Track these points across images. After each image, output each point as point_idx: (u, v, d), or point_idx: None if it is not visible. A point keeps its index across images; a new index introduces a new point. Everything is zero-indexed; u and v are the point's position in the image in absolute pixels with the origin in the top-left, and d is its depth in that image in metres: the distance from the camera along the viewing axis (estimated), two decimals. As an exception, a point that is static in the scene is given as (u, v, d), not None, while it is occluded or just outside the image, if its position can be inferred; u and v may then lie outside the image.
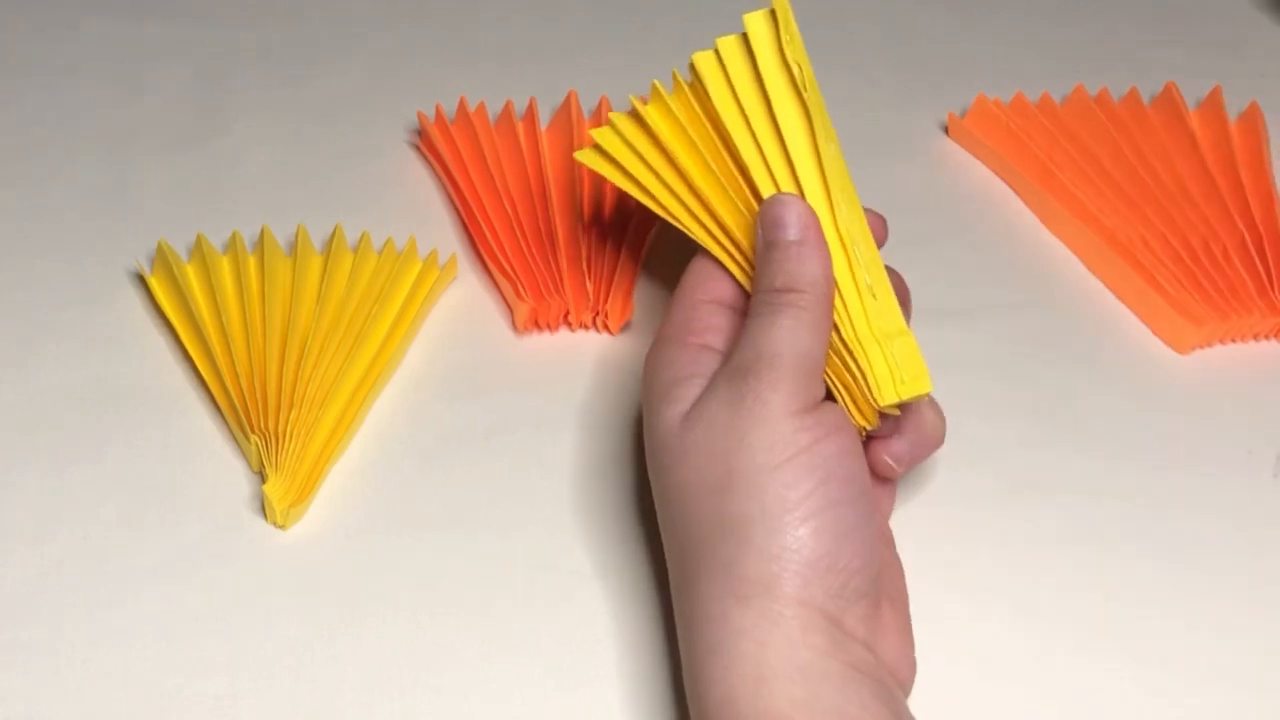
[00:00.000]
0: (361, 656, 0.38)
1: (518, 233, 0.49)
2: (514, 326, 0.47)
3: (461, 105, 0.54)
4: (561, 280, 0.47)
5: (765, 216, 0.37)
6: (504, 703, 0.37)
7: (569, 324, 0.47)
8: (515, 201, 0.50)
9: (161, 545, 0.40)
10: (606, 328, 0.47)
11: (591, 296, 0.47)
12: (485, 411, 0.44)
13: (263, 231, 0.48)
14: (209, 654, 0.37)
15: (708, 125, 0.40)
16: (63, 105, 0.56)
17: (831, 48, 0.55)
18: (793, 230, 0.36)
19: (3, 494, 0.41)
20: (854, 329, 0.36)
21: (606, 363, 0.46)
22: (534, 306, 0.47)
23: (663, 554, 0.39)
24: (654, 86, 0.41)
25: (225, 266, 0.47)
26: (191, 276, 0.46)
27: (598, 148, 0.42)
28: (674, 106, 0.40)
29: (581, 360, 0.46)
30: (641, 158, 0.41)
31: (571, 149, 0.51)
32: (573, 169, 0.51)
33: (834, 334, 0.36)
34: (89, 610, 0.38)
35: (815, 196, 0.37)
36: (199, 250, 0.47)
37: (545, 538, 0.41)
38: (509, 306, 0.48)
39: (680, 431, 0.35)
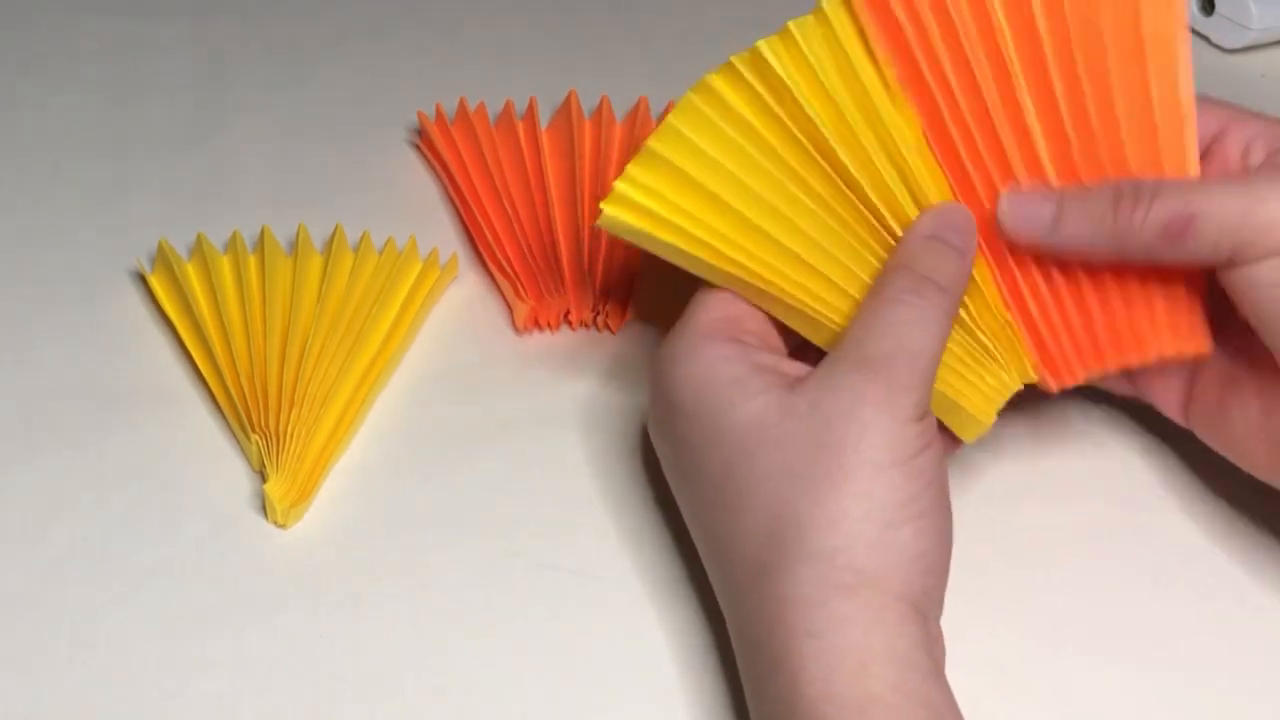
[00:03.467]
0: (361, 656, 0.38)
1: (518, 233, 0.49)
2: (514, 326, 0.47)
3: (461, 105, 0.54)
4: (562, 279, 0.47)
5: (938, 215, 0.36)
6: (504, 702, 0.37)
7: (569, 323, 0.47)
8: (515, 201, 0.50)
9: (162, 544, 0.40)
10: (607, 327, 0.47)
11: (592, 296, 0.47)
12: (486, 411, 0.44)
13: (263, 231, 0.48)
14: (209, 653, 0.37)
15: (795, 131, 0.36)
16: (63, 105, 0.56)
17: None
18: (955, 236, 0.36)
19: (2, 493, 0.41)
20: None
21: (607, 362, 0.46)
22: (534, 306, 0.47)
23: (663, 554, 0.39)
24: (731, 65, 0.35)
25: (226, 266, 0.47)
26: (192, 276, 0.46)
27: (625, 192, 0.36)
28: (739, 102, 0.36)
29: (582, 359, 0.46)
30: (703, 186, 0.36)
31: (572, 149, 0.51)
32: (573, 169, 0.51)
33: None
34: (89, 610, 0.38)
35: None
36: (199, 249, 0.47)
37: (546, 537, 0.41)
38: (509, 306, 0.48)
39: (775, 421, 0.34)
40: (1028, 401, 0.45)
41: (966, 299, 0.37)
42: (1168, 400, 0.41)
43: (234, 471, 0.42)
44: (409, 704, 0.37)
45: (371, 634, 0.38)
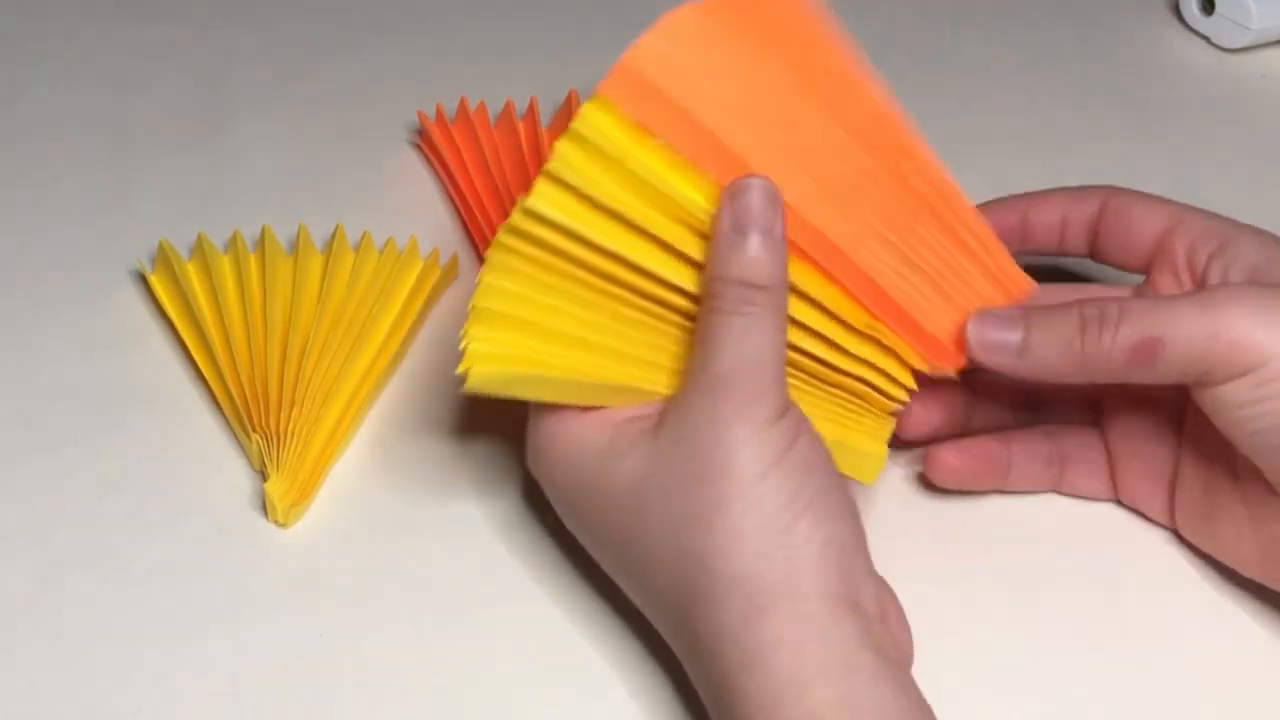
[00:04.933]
0: (362, 656, 0.38)
1: (518, 233, 0.49)
2: (514, 326, 0.47)
3: (461, 105, 0.54)
4: (562, 280, 0.47)
5: (734, 199, 0.34)
6: (504, 702, 0.37)
7: (569, 324, 0.47)
8: (515, 201, 0.50)
9: (162, 544, 0.40)
10: (607, 327, 0.47)
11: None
12: (486, 411, 0.44)
13: (264, 231, 0.48)
14: (210, 653, 0.37)
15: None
16: (63, 105, 0.56)
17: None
18: (757, 215, 0.34)
19: (2, 493, 0.41)
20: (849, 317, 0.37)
21: (607, 362, 0.46)
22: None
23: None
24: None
25: (226, 266, 0.47)
26: (193, 275, 0.46)
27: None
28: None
29: (582, 360, 0.46)
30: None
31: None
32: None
33: (837, 326, 0.37)
34: (89, 609, 0.38)
35: None
36: (200, 249, 0.47)
37: (547, 537, 0.41)
38: (509, 306, 0.48)
39: (648, 471, 0.34)
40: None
41: (814, 342, 0.37)
42: (1152, 506, 0.41)
43: (234, 471, 0.42)
44: (409, 704, 0.37)
45: (371, 634, 0.38)
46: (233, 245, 0.47)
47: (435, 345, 0.47)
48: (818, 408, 0.38)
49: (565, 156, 0.34)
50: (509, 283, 0.35)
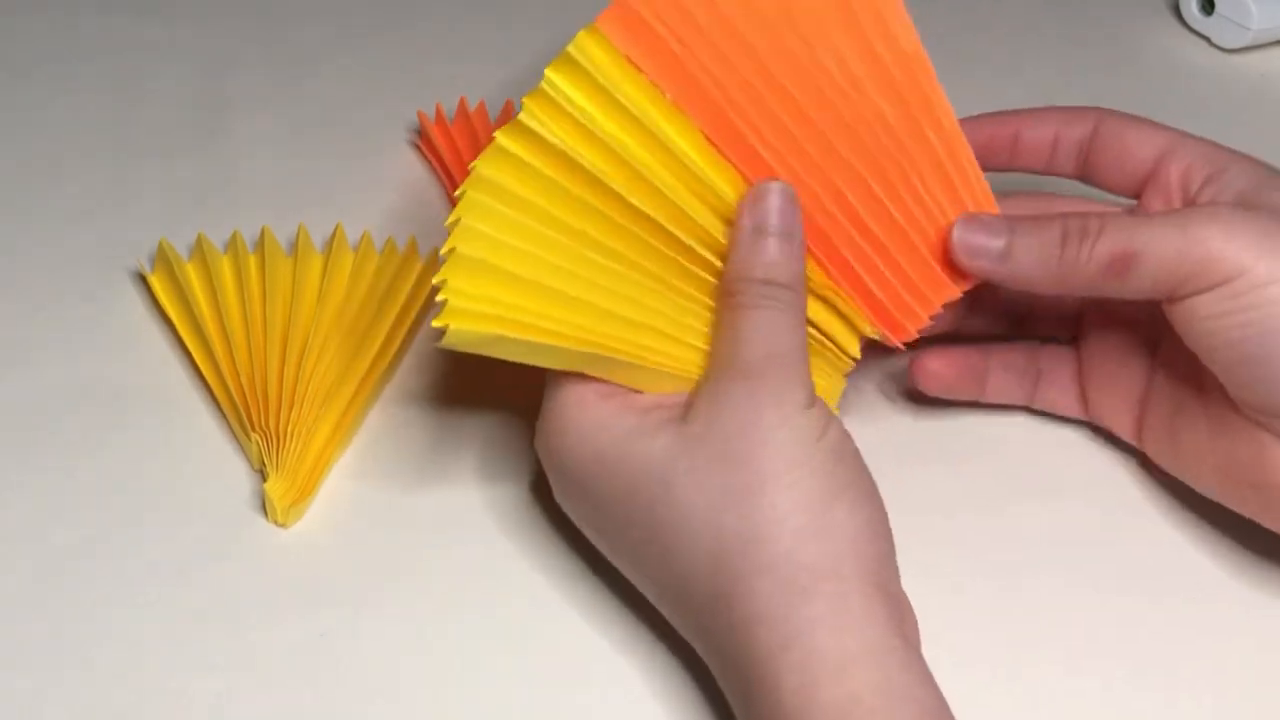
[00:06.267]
0: (361, 656, 0.38)
1: (518, 233, 0.49)
2: (514, 326, 0.47)
3: (461, 105, 0.54)
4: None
5: (756, 204, 0.36)
6: (505, 703, 0.37)
7: (569, 324, 0.47)
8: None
9: (162, 543, 0.40)
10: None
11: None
12: (486, 412, 0.44)
13: (263, 231, 0.48)
14: (209, 653, 0.37)
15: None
16: (63, 105, 0.56)
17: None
18: (776, 218, 0.36)
19: (3, 492, 0.41)
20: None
21: (607, 362, 0.46)
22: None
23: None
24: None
25: (226, 266, 0.47)
26: (192, 276, 0.46)
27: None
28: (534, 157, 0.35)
29: (582, 360, 0.46)
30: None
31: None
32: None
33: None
34: (89, 609, 0.38)
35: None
36: (200, 250, 0.47)
37: (547, 537, 0.41)
38: (509, 306, 0.48)
39: (680, 453, 0.35)
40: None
41: None
42: (1120, 423, 0.42)
43: (234, 471, 0.42)
44: (409, 704, 0.37)
45: (371, 634, 0.38)
46: (233, 245, 0.47)
47: (435, 346, 0.47)
48: None
49: (559, 73, 0.34)
50: (487, 226, 0.35)
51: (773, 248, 0.36)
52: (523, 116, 0.35)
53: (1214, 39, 0.63)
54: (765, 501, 0.33)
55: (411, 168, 0.54)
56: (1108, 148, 0.41)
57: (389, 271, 0.47)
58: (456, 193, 0.35)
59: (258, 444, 0.41)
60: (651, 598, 0.37)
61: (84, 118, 0.56)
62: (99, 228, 0.50)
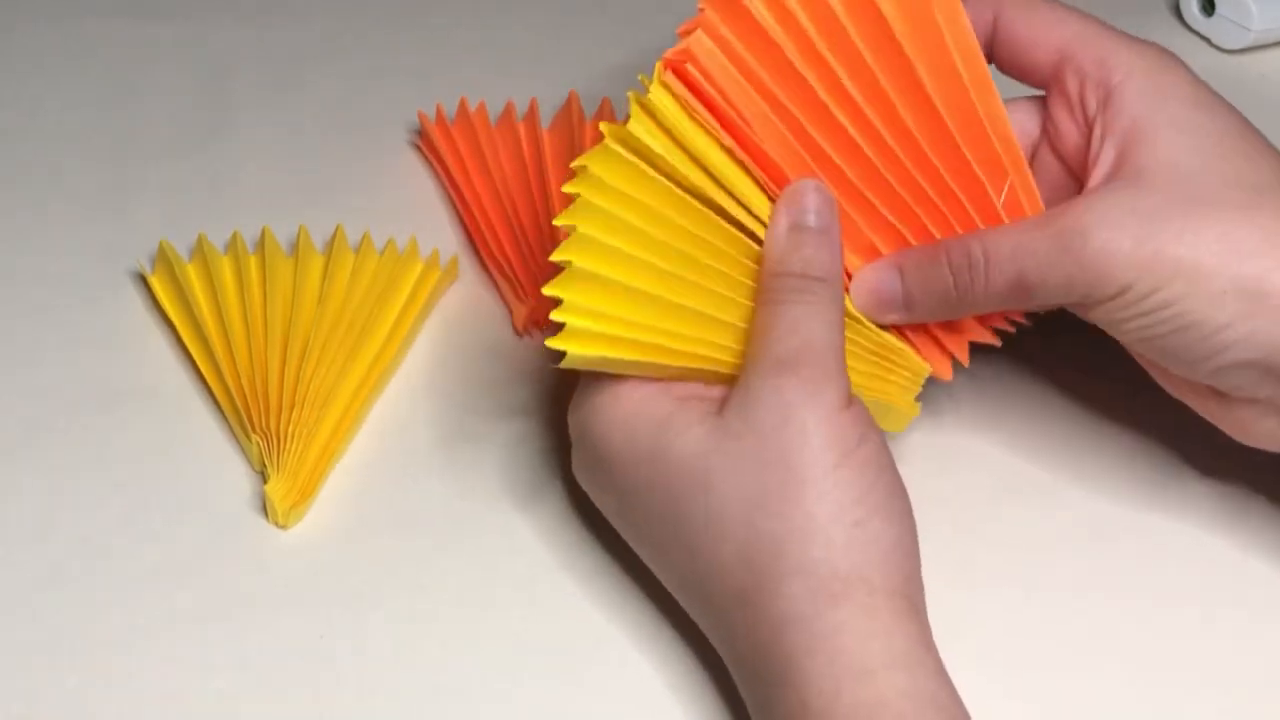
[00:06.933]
0: (362, 656, 0.38)
1: (518, 234, 0.49)
2: (514, 327, 0.47)
3: (461, 105, 0.54)
4: (562, 281, 0.47)
5: (790, 199, 0.36)
6: (505, 703, 0.37)
7: (570, 324, 0.47)
8: (515, 201, 0.50)
9: (162, 545, 0.40)
10: (607, 328, 0.47)
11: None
12: (486, 412, 0.44)
13: (264, 232, 0.48)
14: (210, 653, 0.37)
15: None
16: (63, 105, 0.56)
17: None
18: (812, 216, 0.36)
19: (3, 494, 0.41)
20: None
21: (607, 363, 0.46)
22: (534, 307, 0.47)
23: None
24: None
25: (226, 266, 0.47)
26: (193, 276, 0.46)
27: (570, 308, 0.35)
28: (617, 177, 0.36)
29: (582, 360, 0.46)
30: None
31: (573, 150, 0.51)
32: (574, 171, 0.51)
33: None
34: (89, 610, 0.38)
35: None
36: (200, 250, 0.47)
37: (546, 537, 0.41)
38: (509, 307, 0.48)
39: (712, 449, 0.34)
40: (1025, 396, 0.45)
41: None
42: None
43: (234, 472, 0.42)
44: (409, 704, 0.37)
45: (371, 634, 0.38)
46: (233, 246, 0.47)
47: (436, 346, 0.47)
48: (868, 363, 0.39)
49: (658, 92, 0.36)
50: (599, 232, 0.35)
51: (808, 242, 0.36)
52: (632, 124, 0.35)
53: (1214, 40, 0.63)
54: (801, 507, 0.33)
55: (411, 168, 0.54)
56: (1006, 42, 0.39)
57: (389, 271, 0.47)
58: (565, 187, 0.36)
59: (258, 445, 0.41)
60: (670, 586, 0.37)
61: (84, 118, 0.56)
62: (99, 228, 0.50)
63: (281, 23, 0.62)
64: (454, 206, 0.52)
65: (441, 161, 0.53)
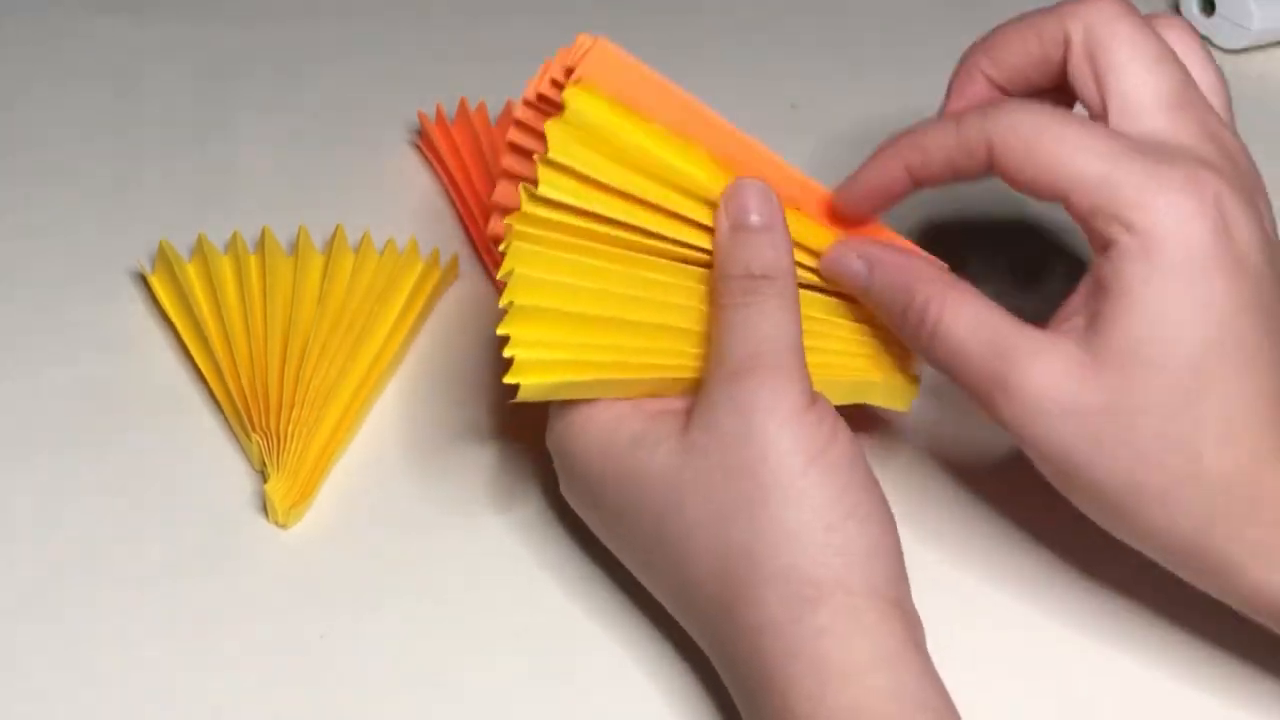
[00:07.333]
0: (362, 656, 0.38)
1: (518, 233, 0.49)
2: (515, 326, 0.47)
3: (461, 105, 0.54)
4: (562, 280, 0.47)
5: (730, 201, 0.35)
6: (505, 703, 0.37)
7: (569, 324, 0.47)
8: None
9: (162, 544, 0.40)
10: (607, 328, 0.47)
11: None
12: (487, 412, 0.44)
13: (264, 231, 0.48)
14: (210, 653, 0.37)
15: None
16: (63, 105, 0.56)
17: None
18: (754, 215, 0.35)
19: (3, 493, 0.41)
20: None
21: (607, 363, 0.46)
22: (535, 307, 0.47)
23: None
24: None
25: (227, 266, 0.47)
26: (193, 276, 0.46)
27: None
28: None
29: (582, 360, 0.46)
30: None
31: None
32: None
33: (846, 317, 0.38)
34: (89, 610, 0.38)
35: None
36: (200, 250, 0.47)
37: (547, 537, 0.41)
38: (510, 307, 0.48)
39: (681, 464, 0.34)
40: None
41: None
42: None
43: (235, 471, 0.42)
44: (409, 704, 0.37)
45: (371, 634, 0.38)
46: (233, 246, 0.47)
47: (436, 346, 0.47)
48: (848, 341, 0.38)
49: (559, 140, 0.34)
50: (538, 270, 0.35)
51: (751, 240, 0.35)
52: (542, 189, 0.34)
53: (1214, 40, 0.63)
54: (771, 514, 0.33)
55: (411, 168, 0.54)
56: (1010, 174, 0.35)
57: (389, 271, 0.47)
58: (501, 247, 0.35)
59: (258, 444, 0.41)
60: (659, 598, 0.37)
61: (85, 118, 0.56)
62: (99, 228, 0.50)
63: (281, 23, 0.62)
64: (454, 206, 0.52)
65: (441, 161, 0.53)
